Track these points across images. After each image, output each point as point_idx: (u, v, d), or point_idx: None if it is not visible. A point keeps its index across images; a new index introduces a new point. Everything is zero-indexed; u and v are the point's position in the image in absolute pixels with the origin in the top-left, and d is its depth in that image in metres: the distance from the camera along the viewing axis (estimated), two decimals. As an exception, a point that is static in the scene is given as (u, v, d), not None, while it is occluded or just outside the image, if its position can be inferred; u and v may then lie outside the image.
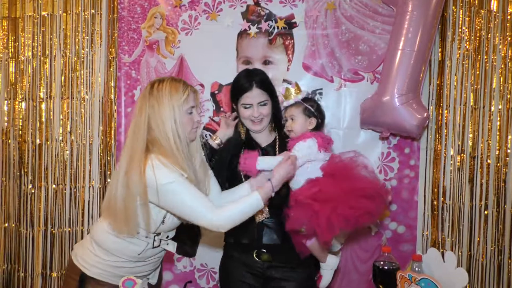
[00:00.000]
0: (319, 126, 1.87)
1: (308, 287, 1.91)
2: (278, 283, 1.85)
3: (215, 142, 1.91)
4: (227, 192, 1.88)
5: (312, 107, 1.85)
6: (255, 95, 1.84)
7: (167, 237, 1.74)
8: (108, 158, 2.57)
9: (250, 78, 1.86)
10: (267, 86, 1.87)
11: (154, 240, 1.68)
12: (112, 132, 2.57)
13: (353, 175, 1.71)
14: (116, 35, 2.55)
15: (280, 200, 1.79)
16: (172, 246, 1.77)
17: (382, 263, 1.57)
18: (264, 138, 1.96)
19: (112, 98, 2.56)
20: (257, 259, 1.85)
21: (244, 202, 1.62)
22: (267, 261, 1.85)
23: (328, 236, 1.64)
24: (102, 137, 2.57)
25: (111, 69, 2.56)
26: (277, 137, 1.95)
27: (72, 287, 1.65)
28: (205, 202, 1.58)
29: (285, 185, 1.78)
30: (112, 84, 2.56)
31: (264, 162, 1.77)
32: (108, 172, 2.57)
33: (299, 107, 1.86)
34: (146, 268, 1.75)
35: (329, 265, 1.91)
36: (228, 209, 1.60)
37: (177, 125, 1.58)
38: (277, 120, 1.96)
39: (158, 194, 1.54)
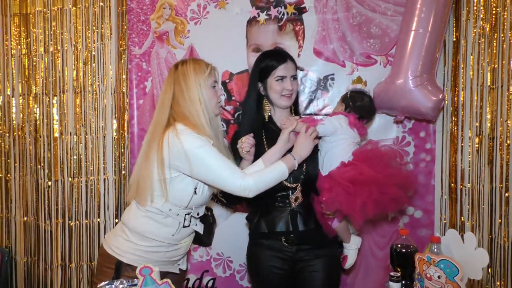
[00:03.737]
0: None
1: (334, 264, 1.94)
2: (307, 263, 1.87)
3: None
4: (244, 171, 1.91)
5: (353, 98, 1.93)
6: (289, 68, 1.89)
7: (198, 214, 1.76)
8: (122, 150, 2.58)
9: (283, 53, 1.95)
10: (295, 63, 1.96)
11: (185, 218, 1.71)
12: (125, 124, 2.57)
13: (388, 162, 1.78)
14: (125, 27, 2.55)
15: (311, 184, 1.84)
16: (200, 227, 1.80)
17: (399, 245, 1.54)
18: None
19: (124, 90, 2.57)
20: (285, 243, 1.85)
21: (272, 169, 1.69)
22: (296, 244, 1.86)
23: (361, 219, 1.70)
24: (115, 129, 2.58)
25: (122, 61, 2.57)
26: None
27: (108, 276, 1.65)
28: (234, 168, 1.66)
29: (315, 167, 1.86)
30: (124, 76, 2.57)
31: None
32: (123, 164, 2.59)
33: (342, 96, 1.99)
34: (179, 252, 1.77)
35: (353, 245, 1.97)
36: (257, 175, 1.67)
37: (205, 98, 1.69)
38: (296, 104, 2.01)
39: (187, 159, 1.59)
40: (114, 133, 2.58)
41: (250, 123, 1.91)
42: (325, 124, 1.83)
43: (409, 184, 1.82)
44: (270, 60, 1.90)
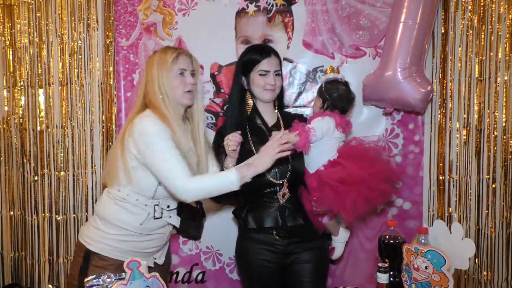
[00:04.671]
0: (335, 110, 1.91)
1: (323, 256, 1.96)
2: (297, 256, 1.87)
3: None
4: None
5: (328, 89, 1.90)
6: (272, 63, 1.89)
7: (168, 207, 1.72)
8: (110, 143, 2.54)
9: (267, 48, 1.95)
10: (279, 58, 1.95)
11: (154, 210, 1.67)
12: (113, 117, 2.54)
13: (374, 158, 1.81)
14: (112, 18, 2.50)
15: (298, 180, 1.85)
16: (175, 220, 1.76)
17: (387, 237, 1.55)
18: (269, 115, 1.97)
19: (111, 83, 2.53)
20: (277, 237, 1.85)
21: (219, 178, 1.61)
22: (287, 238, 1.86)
23: (352, 217, 1.74)
24: (103, 122, 2.54)
25: (109, 53, 2.52)
26: (279, 116, 1.96)
27: (78, 265, 1.65)
28: (182, 167, 1.57)
29: (301, 163, 1.85)
30: (111, 68, 2.53)
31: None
32: (110, 158, 2.55)
33: (319, 88, 1.96)
34: (151, 244, 1.73)
35: (341, 238, 2.01)
36: (200, 180, 1.61)
37: (165, 88, 1.66)
38: (280, 99, 2.01)
39: (139, 143, 1.58)
40: (102, 126, 2.54)
41: (233, 118, 1.91)
42: (317, 133, 1.81)
43: (396, 176, 1.90)
44: (254, 54, 1.89)
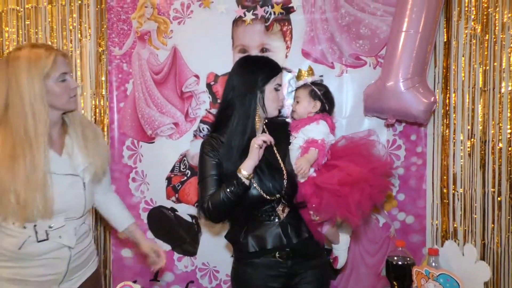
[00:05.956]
0: (325, 112, 1.80)
1: (326, 274, 1.86)
2: (301, 276, 1.74)
3: (248, 179, 1.59)
4: (114, 202, 1.85)
5: (319, 90, 1.78)
6: (281, 77, 1.78)
7: (51, 227, 1.50)
8: (102, 156, 2.45)
9: (275, 62, 1.80)
10: None
11: (35, 231, 1.47)
12: (105, 129, 2.45)
13: (367, 153, 1.71)
14: (105, 26, 2.43)
15: (295, 191, 1.71)
16: (68, 239, 1.52)
17: (395, 258, 1.48)
18: (260, 130, 1.81)
19: (103, 93, 2.45)
20: (280, 259, 1.72)
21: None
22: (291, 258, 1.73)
23: (358, 219, 1.60)
24: (94, 134, 2.45)
25: (101, 62, 2.44)
26: (265, 127, 1.83)
27: None
28: None
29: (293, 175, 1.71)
30: (103, 78, 2.44)
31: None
32: (103, 171, 2.45)
33: (306, 89, 1.80)
34: (42, 271, 1.50)
35: (342, 245, 1.90)
36: None
37: (39, 97, 1.41)
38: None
39: None
40: (93, 138, 2.44)
41: (243, 138, 1.67)
42: (325, 139, 1.71)
43: (390, 170, 1.80)
44: (271, 66, 1.76)
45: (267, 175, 1.67)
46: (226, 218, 1.75)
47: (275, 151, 1.75)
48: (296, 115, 1.81)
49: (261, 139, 1.57)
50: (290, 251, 1.72)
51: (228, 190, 1.58)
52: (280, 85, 1.75)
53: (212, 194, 1.62)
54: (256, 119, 1.71)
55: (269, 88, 1.72)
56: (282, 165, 1.72)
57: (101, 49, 2.44)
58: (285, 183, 1.69)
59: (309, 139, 1.68)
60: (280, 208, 1.72)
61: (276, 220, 1.71)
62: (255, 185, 1.64)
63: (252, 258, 1.73)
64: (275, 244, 1.69)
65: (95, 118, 2.45)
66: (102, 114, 2.45)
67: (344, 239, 1.91)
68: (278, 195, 1.68)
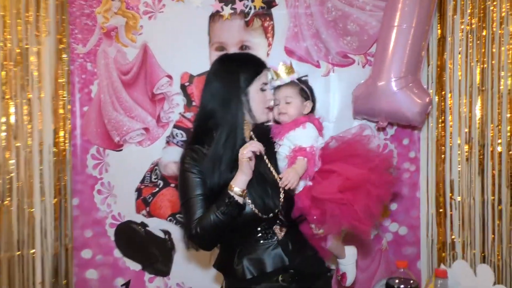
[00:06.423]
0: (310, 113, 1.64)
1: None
2: None
3: (241, 196, 1.39)
4: None
5: (308, 89, 1.61)
6: (267, 75, 1.56)
7: None
8: (63, 166, 2.20)
9: (258, 57, 1.59)
10: None
11: None
12: (67, 136, 2.21)
13: (363, 151, 1.57)
14: (66, 21, 2.20)
15: (289, 206, 1.51)
16: None
17: (397, 281, 1.28)
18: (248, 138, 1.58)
19: (65, 95, 2.21)
20: (284, 283, 1.48)
21: None
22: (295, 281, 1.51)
23: (369, 226, 1.46)
24: (54, 142, 2.19)
25: (62, 61, 2.21)
26: (253, 134, 1.61)
27: None
28: None
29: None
30: (64, 79, 2.20)
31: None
32: (63, 183, 2.20)
33: (295, 87, 1.60)
34: None
35: (350, 259, 1.72)
36: None
37: None
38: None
39: None
40: (53, 147, 2.19)
41: (232, 151, 1.44)
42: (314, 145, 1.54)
43: (391, 163, 1.68)
44: (253, 64, 1.53)
45: (260, 189, 1.46)
46: (218, 243, 1.53)
47: (267, 161, 1.54)
48: (287, 118, 1.58)
49: (249, 150, 1.36)
50: (294, 272, 1.49)
51: (219, 211, 1.35)
52: (266, 84, 1.54)
53: (200, 218, 1.38)
54: (245, 127, 1.51)
55: (254, 88, 1.50)
56: (276, 176, 1.51)
57: (62, 46, 2.21)
58: (281, 197, 1.48)
59: (295, 147, 1.49)
60: (277, 225, 1.51)
61: (274, 239, 1.49)
62: (248, 202, 1.43)
63: (251, 286, 1.47)
64: (276, 266, 1.46)
65: (54, 124, 2.19)
66: (63, 120, 2.20)
67: (350, 252, 1.74)
68: (276, 211, 1.47)
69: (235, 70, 1.50)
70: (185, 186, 1.44)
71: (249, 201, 1.43)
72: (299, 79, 1.63)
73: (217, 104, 1.48)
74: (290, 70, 1.61)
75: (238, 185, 1.36)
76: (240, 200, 1.37)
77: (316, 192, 1.46)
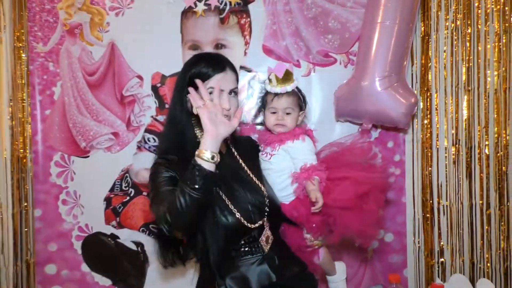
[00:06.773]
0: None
1: None
2: None
3: (214, 162, 1.18)
4: None
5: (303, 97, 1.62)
6: (228, 79, 1.38)
7: None
8: (23, 174, 2.03)
9: (221, 59, 1.43)
10: (236, 73, 1.45)
11: None
12: (27, 142, 2.05)
13: (361, 154, 1.62)
14: (25, 17, 2.04)
15: (279, 217, 1.48)
16: None
17: (389, 298, 1.17)
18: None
19: (24, 98, 2.04)
20: None
21: None
22: None
23: (377, 231, 1.54)
24: (12, 148, 2.02)
25: (21, 61, 2.04)
26: (229, 142, 1.51)
27: None
28: None
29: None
30: (23, 81, 2.03)
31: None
32: (24, 193, 2.02)
33: (296, 98, 1.58)
34: None
35: (340, 275, 1.69)
36: None
37: None
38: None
39: None
40: (12, 154, 2.03)
41: (178, 151, 1.34)
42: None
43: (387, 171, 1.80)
44: (205, 66, 1.37)
45: (244, 197, 1.37)
46: (194, 221, 1.25)
47: (247, 170, 1.46)
48: (284, 129, 1.55)
49: (198, 100, 1.23)
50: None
51: (189, 188, 1.13)
52: (213, 88, 1.33)
53: (169, 202, 1.17)
54: (197, 133, 1.42)
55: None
56: (259, 184, 1.43)
57: (20, 44, 2.05)
58: (266, 203, 1.40)
59: (305, 165, 1.48)
60: (263, 238, 1.40)
61: (259, 254, 1.38)
62: (234, 211, 1.32)
63: None
64: (263, 283, 1.35)
65: (12, 129, 2.01)
66: (22, 124, 2.03)
67: (340, 268, 1.69)
68: (261, 221, 1.38)
69: (186, 68, 1.42)
70: (155, 183, 1.29)
71: (235, 210, 1.33)
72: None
73: (171, 106, 1.45)
74: (292, 77, 1.57)
75: (208, 147, 1.15)
76: (212, 167, 1.15)
77: (330, 199, 1.44)
